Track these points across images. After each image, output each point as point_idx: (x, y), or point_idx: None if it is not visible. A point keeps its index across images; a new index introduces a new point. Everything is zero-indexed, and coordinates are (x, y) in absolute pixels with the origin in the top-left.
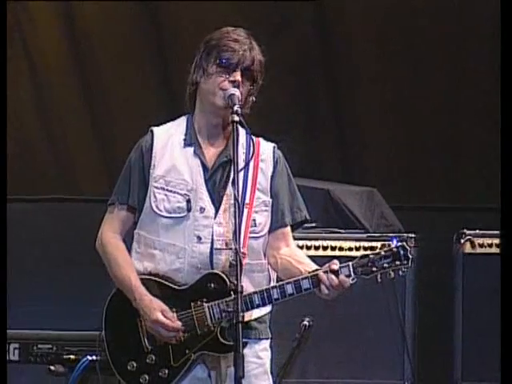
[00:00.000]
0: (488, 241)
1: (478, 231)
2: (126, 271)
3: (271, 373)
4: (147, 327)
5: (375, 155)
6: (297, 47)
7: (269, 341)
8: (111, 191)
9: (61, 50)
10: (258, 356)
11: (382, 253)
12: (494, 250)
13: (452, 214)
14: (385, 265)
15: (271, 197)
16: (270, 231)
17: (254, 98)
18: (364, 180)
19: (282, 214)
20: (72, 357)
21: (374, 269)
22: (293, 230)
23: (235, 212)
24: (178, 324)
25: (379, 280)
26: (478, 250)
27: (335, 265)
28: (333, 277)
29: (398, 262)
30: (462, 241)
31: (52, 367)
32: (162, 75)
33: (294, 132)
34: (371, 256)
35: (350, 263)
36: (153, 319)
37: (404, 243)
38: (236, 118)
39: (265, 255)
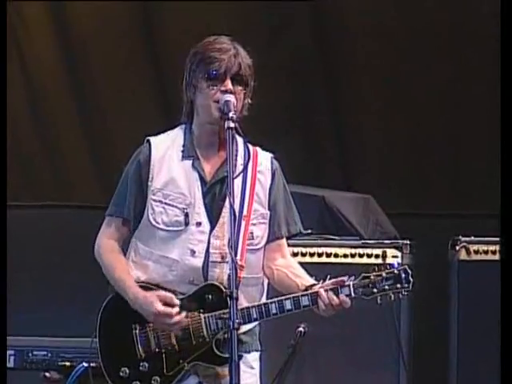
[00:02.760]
0: (483, 247)
1: (473, 238)
2: (121, 273)
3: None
4: (152, 323)
5: (371, 162)
6: (295, 49)
7: (259, 353)
8: (105, 198)
9: (54, 54)
10: (251, 366)
11: (384, 274)
12: (490, 256)
13: (447, 220)
14: (385, 287)
15: (269, 209)
16: (266, 242)
17: (249, 100)
18: (359, 186)
19: (278, 226)
20: (67, 363)
21: (375, 290)
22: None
23: (231, 222)
24: (178, 304)
25: (379, 302)
26: (474, 257)
27: (335, 283)
28: (333, 296)
29: (398, 285)
30: (458, 247)
31: (47, 374)
32: (158, 81)
33: (292, 135)
34: (372, 277)
35: (351, 283)
36: (153, 312)
37: (406, 266)
38: (232, 125)
39: (261, 269)
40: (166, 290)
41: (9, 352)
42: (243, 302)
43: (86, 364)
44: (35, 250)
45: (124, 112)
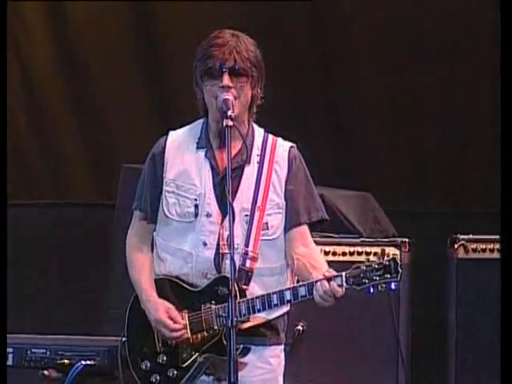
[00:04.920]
0: (481, 246)
1: (471, 236)
2: (137, 273)
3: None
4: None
5: (370, 159)
6: (294, 48)
7: (281, 346)
8: (104, 197)
9: (53, 54)
10: (268, 362)
11: (374, 265)
12: (488, 255)
13: (446, 218)
14: (375, 277)
15: (285, 199)
16: (285, 231)
17: (259, 90)
18: (358, 184)
19: (297, 214)
20: (66, 361)
21: (365, 280)
22: (311, 231)
23: (229, 220)
24: (181, 324)
25: (371, 291)
26: (472, 255)
27: (328, 273)
28: (325, 283)
29: (388, 275)
30: (456, 246)
31: (46, 372)
32: (157, 81)
33: (290, 133)
34: (363, 268)
35: (343, 273)
36: (155, 319)
37: (396, 257)
38: (230, 123)
39: (279, 259)
40: (184, 282)
41: (7, 350)
42: (257, 292)
43: (84, 362)
44: (34, 249)
45: (123, 111)
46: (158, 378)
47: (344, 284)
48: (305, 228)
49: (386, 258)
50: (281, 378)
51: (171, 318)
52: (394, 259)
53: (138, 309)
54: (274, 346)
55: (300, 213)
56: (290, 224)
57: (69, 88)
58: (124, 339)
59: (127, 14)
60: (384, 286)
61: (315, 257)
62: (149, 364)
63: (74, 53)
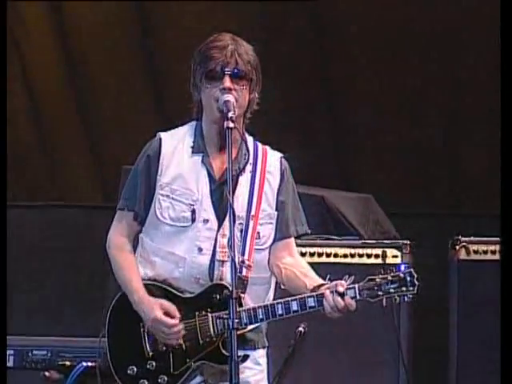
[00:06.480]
0: (483, 247)
1: (472, 238)
2: (128, 273)
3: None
4: (149, 329)
5: (371, 161)
6: (294, 49)
7: (266, 349)
8: (104, 198)
9: (53, 53)
10: (258, 362)
11: (389, 277)
12: (489, 256)
13: (447, 220)
14: (391, 290)
15: (276, 209)
16: (273, 241)
17: (256, 95)
18: (359, 186)
19: (286, 226)
20: (67, 363)
21: (380, 293)
22: None
23: (230, 222)
24: (178, 318)
25: (384, 304)
26: (473, 257)
27: (341, 287)
28: (339, 299)
29: (404, 288)
30: (457, 247)
31: (47, 373)
32: (157, 81)
33: (291, 135)
34: (378, 280)
35: (357, 285)
36: (152, 317)
37: (411, 270)
38: (231, 125)
39: (267, 268)
40: (172, 286)
41: (8, 351)
42: (248, 301)
43: (85, 363)
44: (33, 251)
45: (123, 112)
46: (147, 383)
47: (357, 296)
48: (292, 239)
49: (401, 270)
50: (266, 378)
51: (167, 314)
52: (410, 272)
53: (122, 309)
54: (261, 348)
55: (289, 225)
56: (279, 235)
57: (69, 88)
58: (104, 340)
59: (127, 14)
60: (398, 298)
61: (303, 265)
62: (136, 369)
63: (74, 53)
